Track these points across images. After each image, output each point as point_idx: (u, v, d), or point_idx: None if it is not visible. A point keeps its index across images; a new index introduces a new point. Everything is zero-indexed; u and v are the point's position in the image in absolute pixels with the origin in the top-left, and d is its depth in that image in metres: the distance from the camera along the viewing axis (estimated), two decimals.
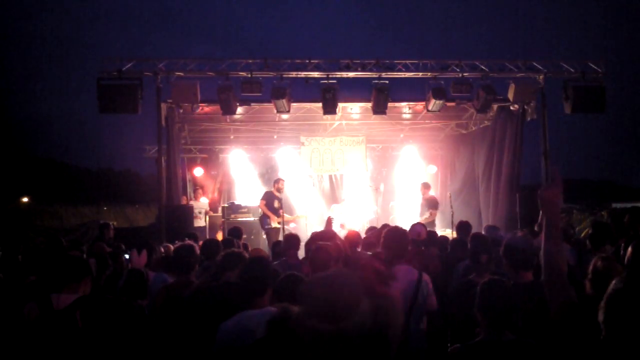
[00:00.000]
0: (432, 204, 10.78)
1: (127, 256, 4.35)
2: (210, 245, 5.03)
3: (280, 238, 8.20)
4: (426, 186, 11.19)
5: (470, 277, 3.70)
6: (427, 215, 10.60)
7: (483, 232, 6.52)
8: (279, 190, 10.80)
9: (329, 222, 4.66)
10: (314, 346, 1.35)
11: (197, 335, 3.13)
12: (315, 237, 4.06)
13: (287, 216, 10.87)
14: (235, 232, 6.70)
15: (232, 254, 3.61)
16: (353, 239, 5.37)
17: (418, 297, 3.58)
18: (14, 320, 2.46)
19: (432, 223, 10.31)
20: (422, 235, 5.47)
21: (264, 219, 10.50)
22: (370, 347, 1.38)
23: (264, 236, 10.70)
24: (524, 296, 2.74)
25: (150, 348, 3.17)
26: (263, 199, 10.63)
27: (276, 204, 10.57)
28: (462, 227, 6.41)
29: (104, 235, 8.05)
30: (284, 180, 11.14)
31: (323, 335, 1.34)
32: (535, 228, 5.85)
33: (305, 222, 11.71)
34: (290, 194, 12.89)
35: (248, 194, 13.04)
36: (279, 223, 10.26)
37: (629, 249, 3.00)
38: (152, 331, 3.32)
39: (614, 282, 1.55)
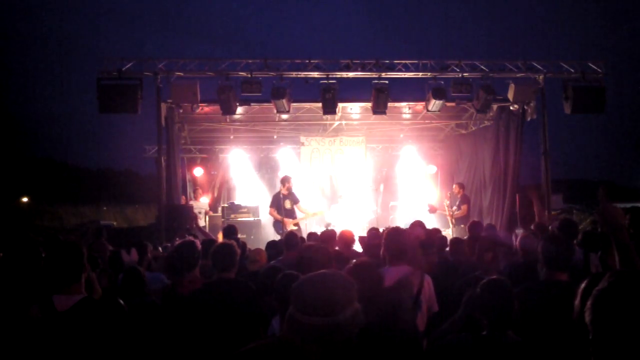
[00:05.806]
0: (466, 200, 10.90)
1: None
2: (210, 245, 5.01)
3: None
4: (461, 186, 11.28)
5: (477, 274, 3.67)
6: (461, 209, 10.72)
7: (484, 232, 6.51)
8: (288, 190, 10.23)
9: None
10: (307, 336, 1.51)
11: (199, 334, 3.12)
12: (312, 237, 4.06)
13: (301, 214, 10.32)
14: (229, 230, 6.70)
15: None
16: (346, 238, 5.40)
17: (419, 297, 3.56)
18: (17, 323, 2.40)
19: (465, 218, 10.39)
20: (421, 236, 5.46)
21: (277, 224, 10.13)
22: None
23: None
24: (558, 295, 2.72)
25: (154, 348, 3.16)
26: (271, 205, 10.23)
27: (288, 205, 10.09)
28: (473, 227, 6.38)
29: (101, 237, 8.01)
30: (291, 177, 10.47)
31: (314, 327, 1.49)
32: (532, 228, 5.85)
33: (305, 222, 11.64)
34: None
35: (248, 194, 13.02)
36: (295, 225, 9.84)
37: None
38: (156, 331, 3.31)
39: (601, 282, 1.54)
